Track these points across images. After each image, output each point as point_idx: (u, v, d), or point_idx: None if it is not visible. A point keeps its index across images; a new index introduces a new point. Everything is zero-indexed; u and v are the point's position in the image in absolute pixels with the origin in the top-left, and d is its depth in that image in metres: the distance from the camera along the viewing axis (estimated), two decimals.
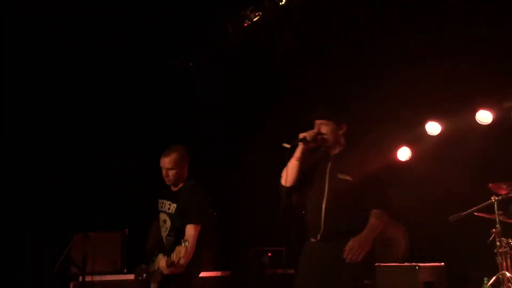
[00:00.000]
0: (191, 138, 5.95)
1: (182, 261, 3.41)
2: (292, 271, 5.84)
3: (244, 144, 6.39)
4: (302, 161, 3.27)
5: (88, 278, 4.12)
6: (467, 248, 5.09)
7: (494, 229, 4.34)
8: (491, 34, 4.82)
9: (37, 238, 5.17)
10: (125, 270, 5.21)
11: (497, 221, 4.33)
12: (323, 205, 3.22)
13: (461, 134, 5.74)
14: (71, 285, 4.68)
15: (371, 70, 5.65)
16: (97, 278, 4.61)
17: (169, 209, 3.78)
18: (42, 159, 5.37)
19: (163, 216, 3.82)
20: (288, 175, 3.28)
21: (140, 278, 3.73)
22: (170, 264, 3.46)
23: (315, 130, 3.32)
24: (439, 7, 4.92)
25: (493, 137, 5.51)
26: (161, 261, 3.61)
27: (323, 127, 3.32)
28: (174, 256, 3.43)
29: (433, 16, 5.00)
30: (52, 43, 5.16)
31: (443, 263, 4.84)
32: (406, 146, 6.29)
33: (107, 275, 4.94)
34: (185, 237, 3.52)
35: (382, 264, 5.03)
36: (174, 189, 3.83)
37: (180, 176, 3.79)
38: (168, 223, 3.76)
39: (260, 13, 4.61)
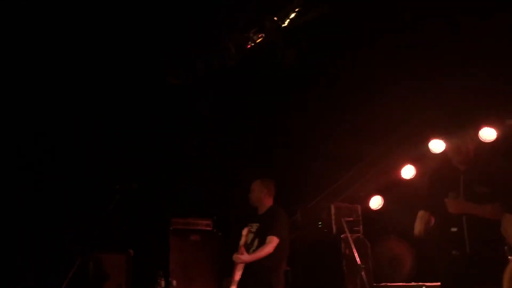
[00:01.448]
0: (187, 157, 5.98)
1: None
2: None
3: (244, 161, 6.38)
4: None
5: None
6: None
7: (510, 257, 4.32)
8: (493, 50, 4.85)
9: (42, 260, 5.16)
10: None
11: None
12: None
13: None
14: None
15: (373, 89, 5.67)
16: None
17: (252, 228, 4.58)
18: (50, 180, 5.40)
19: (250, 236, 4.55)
20: None
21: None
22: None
23: None
24: (442, 23, 4.95)
25: (497, 154, 5.51)
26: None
27: None
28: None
29: (435, 32, 5.04)
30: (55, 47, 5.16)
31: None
32: (410, 164, 6.29)
33: None
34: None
35: (389, 284, 5.00)
36: (260, 212, 4.65)
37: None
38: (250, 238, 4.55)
39: (263, 35, 4.67)
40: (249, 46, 4.72)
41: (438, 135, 5.96)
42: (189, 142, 6.13)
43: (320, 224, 5.97)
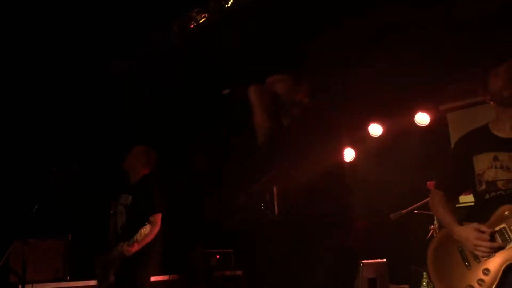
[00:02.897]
0: (136, 140, 5.84)
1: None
2: (240, 272, 5.87)
3: (191, 144, 6.32)
4: None
5: (28, 287, 3.95)
6: (408, 244, 5.31)
7: (432, 226, 4.55)
8: (430, 37, 5.04)
9: None
10: (68, 278, 5.04)
11: (435, 218, 4.54)
12: None
13: (402, 135, 5.99)
14: None
15: (315, 71, 5.74)
16: (38, 286, 4.43)
17: (125, 201, 4.03)
18: None
19: (120, 209, 4.07)
20: None
21: (102, 265, 3.93)
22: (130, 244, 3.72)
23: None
24: (381, 11, 5.07)
25: (431, 138, 5.79)
26: (121, 246, 3.80)
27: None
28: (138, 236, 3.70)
29: (374, 19, 5.16)
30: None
31: (385, 259, 5.01)
32: (350, 147, 6.48)
33: (49, 283, 4.76)
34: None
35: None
36: (133, 180, 4.11)
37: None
38: (124, 214, 4.01)
39: (206, 15, 4.61)
40: (191, 26, 4.65)
41: (376, 119, 6.18)
42: (132, 123, 5.98)
43: (262, 206, 6.04)
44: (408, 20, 4.91)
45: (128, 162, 4.20)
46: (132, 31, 5.11)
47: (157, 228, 3.91)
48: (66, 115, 5.61)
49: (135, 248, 3.80)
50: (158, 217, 3.92)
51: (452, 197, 2.70)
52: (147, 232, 3.74)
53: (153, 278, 5.51)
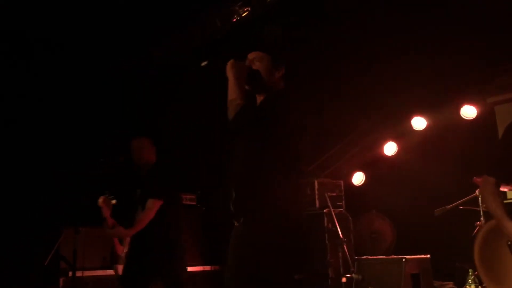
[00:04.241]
0: (169, 132, 5.94)
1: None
2: None
3: (226, 139, 6.37)
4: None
5: (78, 274, 4.11)
6: (452, 240, 5.20)
7: (478, 222, 4.44)
8: (476, 29, 4.90)
9: (26, 234, 5.13)
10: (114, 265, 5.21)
11: (482, 213, 4.43)
12: None
13: (446, 129, 5.85)
14: (61, 281, 4.66)
15: (357, 65, 5.69)
16: (87, 273, 4.60)
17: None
18: (30, 153, 5.33)
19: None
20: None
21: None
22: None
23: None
24: (428, 2, 4.97)
25: (477, 132, 5.63)
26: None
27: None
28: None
29: (419, 11, 5.06)
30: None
31: (429, 255, 4.93)
32: (393, 141, 6.38)
33: (97, 270, 4.93)
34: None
35: (370, 257, 5.12)
36: (142, 174, 3.94)
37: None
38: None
39: (249, 9, 4.63)
40: (234, 19, 4.69)
41: (420, 112, 6.05)
42: (170, 116, 6.08)
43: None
44: (455, 8, 4.79)
45: (139, 156, 3.94)
46: (174, 25, 5.21)
47: (150, 214, 3.64)
48: (115, 109, 5.77)
49: (131, 232, 3.71)
50: (154, 203, 3.65)
51: (504, 183, 2.63)
52: (140, 217, 3.61)
53: (194, 269, 5.64)
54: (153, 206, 3.62)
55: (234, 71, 2.63)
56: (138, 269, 3.66)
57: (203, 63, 2.72)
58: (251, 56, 2.70)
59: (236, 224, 2.55)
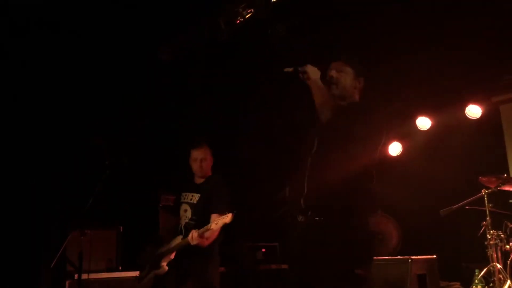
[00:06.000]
0: (182, 132, 5.95)
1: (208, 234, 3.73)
2: (285, 266, 5.90)
3: (235, 140, 6.40)
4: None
5: (84, 276, 4.12)
6: (458, 240, 5.19)
7: (484, 222, 4.43)
8: (479, 29, 4.88)
9: (32, 236, 5.15)
10: (120, 268, 5.21)
11: (488, 213, 4.41)
12: None
13: (451, 128, 5.83)
14: (67, 283, 4.66)
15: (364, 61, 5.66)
16: (93, 276, 4.60)
17: (191, 199, 4.03)
18: (38, 155, 5.35)
19: (184, 207, 4.04)
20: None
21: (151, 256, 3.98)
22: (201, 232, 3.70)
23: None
24: (432, 2, 4.96)
25: (482, 131, 5.61)
26: (192, 233, 3.75)
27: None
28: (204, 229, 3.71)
29: (424, 11, 5.05)
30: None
31: (435, 256, 4.92)
32: (397, 141, 6.37)
33: (103, 273, 4.93)
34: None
35: (375, 257, 5.10)
36: (199, 181, 4.09)
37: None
38: (189, 212, 3.99)
39: (252, 10, 4.63)
40: (238, 21, 4.69)
41: (425, 112, 6.04)
42: (181, 117, 6.10)
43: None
44: (460, 8, 4.77)
45: (204, 166, 4.10)
46: (180, 26, 5.22)
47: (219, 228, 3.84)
48: (119, 111, 5.78)
49: (209, 240, 3.83)
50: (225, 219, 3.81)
51: None
52: (213, 229, 3.73)
53: None
54: (223, 221, 3.76)
55: (318, 75, 2.72)
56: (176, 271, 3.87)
57: (287, 69, 2.80)
58: (333, 65, 2.83)
59: (300, 219, 2.66)
